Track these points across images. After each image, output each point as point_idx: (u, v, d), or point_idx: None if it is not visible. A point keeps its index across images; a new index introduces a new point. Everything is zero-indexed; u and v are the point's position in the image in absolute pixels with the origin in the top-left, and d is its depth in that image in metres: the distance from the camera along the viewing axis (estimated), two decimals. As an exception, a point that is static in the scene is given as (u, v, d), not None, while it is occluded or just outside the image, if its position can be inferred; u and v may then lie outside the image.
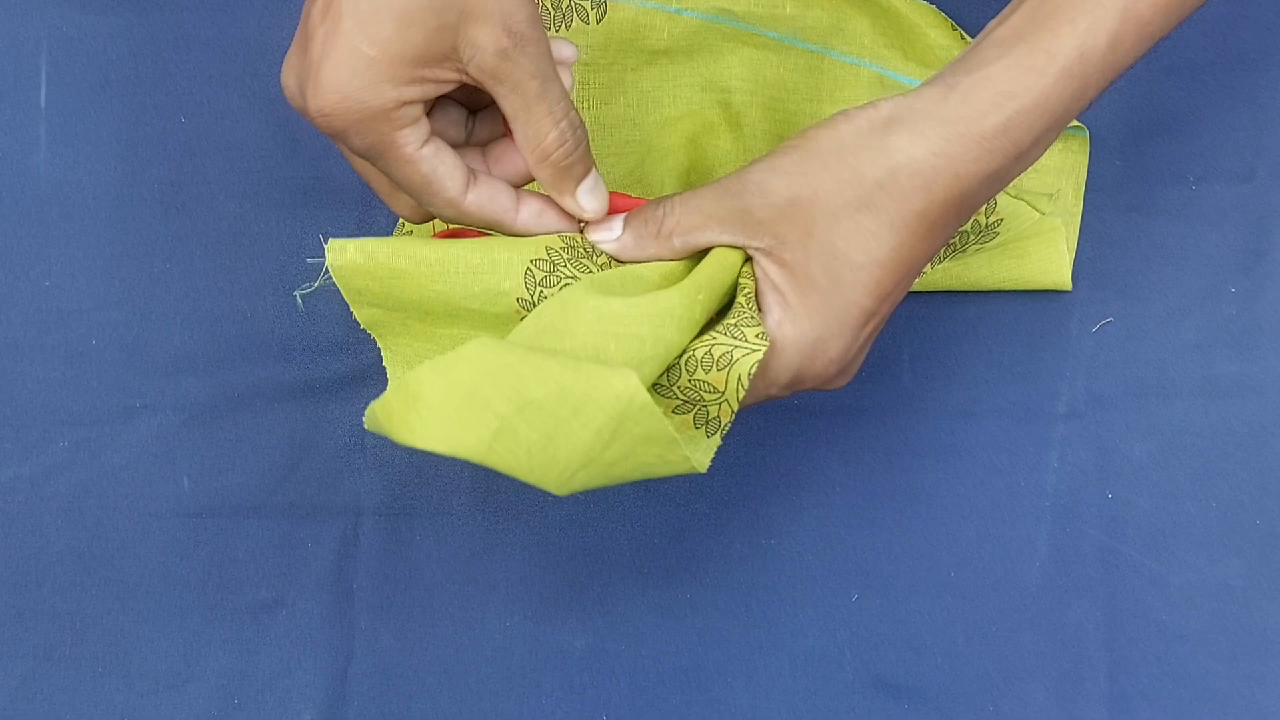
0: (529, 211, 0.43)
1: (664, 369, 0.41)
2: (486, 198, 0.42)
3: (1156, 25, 0.40)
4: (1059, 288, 0.55)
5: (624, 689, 0.55)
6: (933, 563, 0.55)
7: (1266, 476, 0.55)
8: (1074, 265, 0.55)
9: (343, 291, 0.43)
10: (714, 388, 0.41)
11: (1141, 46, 0.40)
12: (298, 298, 0.45)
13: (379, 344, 0.46)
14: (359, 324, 0.45)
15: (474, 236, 0.45)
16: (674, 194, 0.44)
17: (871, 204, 0.40)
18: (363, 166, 0.44)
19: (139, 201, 0.55)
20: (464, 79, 0.40)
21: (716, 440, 0.43)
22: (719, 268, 0.42)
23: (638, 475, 0.40)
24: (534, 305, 0.42)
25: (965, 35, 0.54)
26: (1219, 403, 0.55)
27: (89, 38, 0.56)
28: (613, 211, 0.45)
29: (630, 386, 0.36)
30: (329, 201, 0.55)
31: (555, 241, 0.43)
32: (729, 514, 0.55)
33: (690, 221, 0.43)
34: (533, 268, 0.42)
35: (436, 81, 0.40)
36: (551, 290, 0.42)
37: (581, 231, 0.44)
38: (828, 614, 0.55)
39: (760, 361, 0.40)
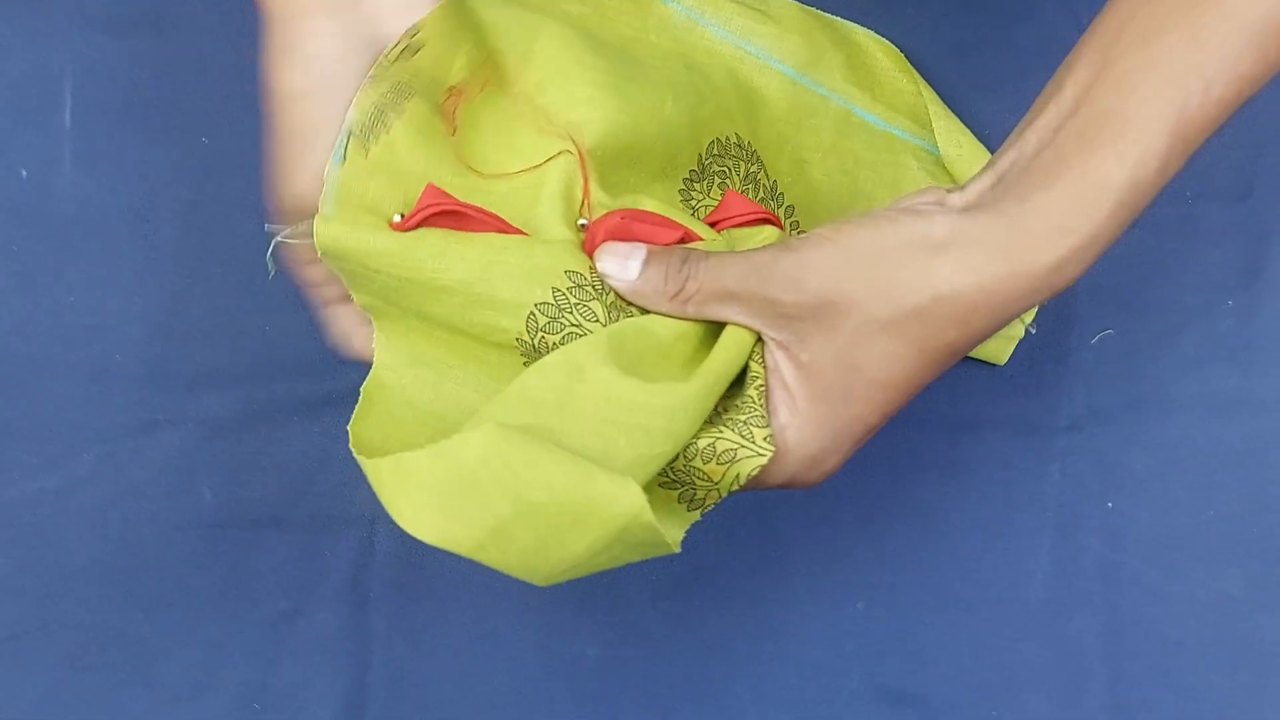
0: None
1: (669, 463, 0.39)
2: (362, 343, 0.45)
3: (1199, 142, 0.38)
4: (994, 361, 0.55)
5: (635, 698, 0.55)
6: (937, 574, 0.56)
7: (1264, 489, 0.56)
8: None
9: (337, 271, 0.42)
10: (709, 477, 0.40)
11: (1183, 163, 0.38)
12: (269, 263, 0.44)
13: (374, 325, 0.44)
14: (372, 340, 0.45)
15: (471, 217, 0.42)
16: (701, 253, 0.41)
17: (903, 328, 0.37)
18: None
19: (161, 220, 0.56)
20: None
21: (696, 516, 0.41)
22: (736, 352, 0.40)
23: (613, 566, 0.39)
24: (534, 349, 0.41)
25: (921, 80, 0.55)
26: (1217, 416, 0.56)
27: (112, 60, 0.57)
28: (630, 229, 0.42)
29: (637, 504, 0.35)
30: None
31: (562, 282, 0.40)
32: (737, 526, 0.56)
33: (712, 292, 0.40)
34: (536, 312, 0.40)
35: None
36: (554, 337, 0.40)
37: (584, 242, 0.42)
38: (834, 625, 0.56)
39: (763, 466, 0.39)
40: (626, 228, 0.42)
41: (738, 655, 0.56)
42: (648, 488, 0.38)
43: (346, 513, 0.55)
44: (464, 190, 0.42)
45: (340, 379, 0.55)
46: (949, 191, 0.39)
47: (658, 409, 0.38)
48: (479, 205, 0.42)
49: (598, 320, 0.40)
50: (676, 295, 0.40)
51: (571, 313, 0.40)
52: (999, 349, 0.54)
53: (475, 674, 0.55)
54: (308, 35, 0.41)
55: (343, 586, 0.55)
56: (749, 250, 0.40)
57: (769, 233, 0.46)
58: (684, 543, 0.55)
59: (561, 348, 0.39)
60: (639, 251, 0.41)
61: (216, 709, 0.55)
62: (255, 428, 0.55)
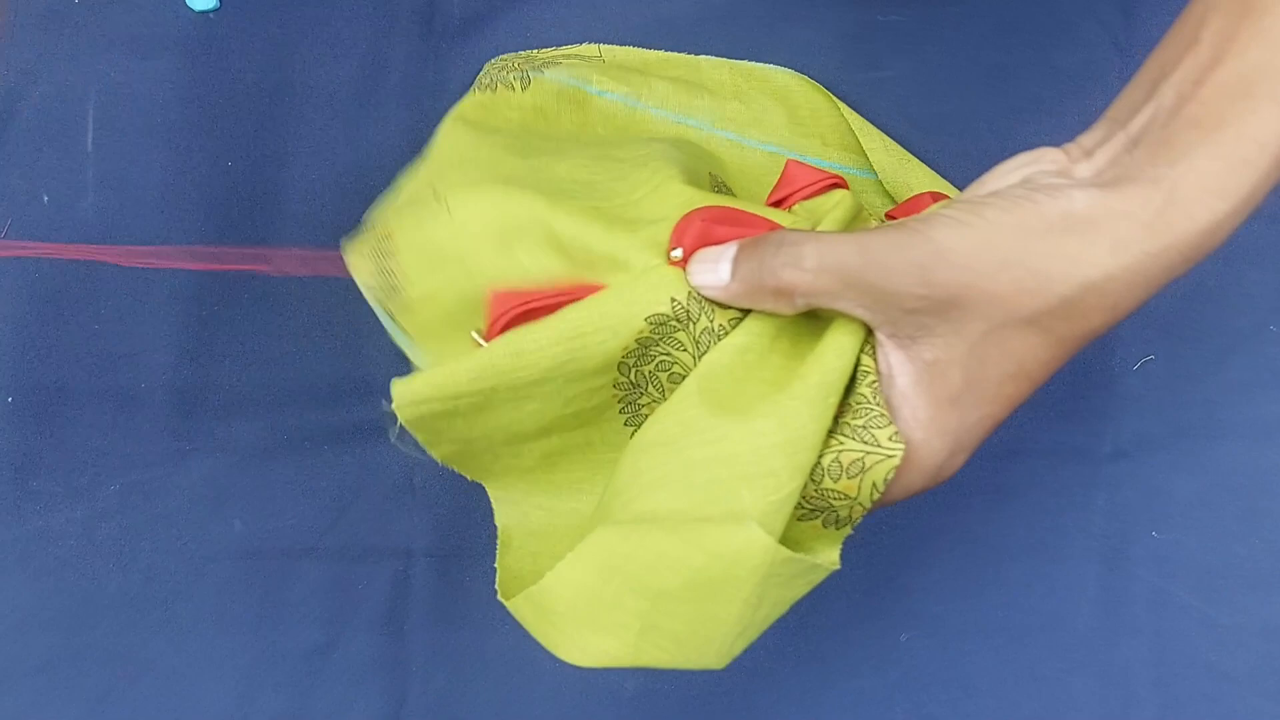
0: None
1: (802, 495, 0.36)
2: None
3: None
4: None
5: (674, 730, 0.55)
6: (982, 602, 0.55)
7: (1312, 515, 0.55)
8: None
9: (417, 436, 0.41)
10: (845, 494, 0.36)
11: None
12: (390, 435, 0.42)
13: (462, 471, 0.42)
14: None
15: (538, 317, 0.39)
16: (802, 234, 0.36)
17: (1046, 321, 0.33)
18: None
19: (187, 246, 0.55)
20: None
21: (847, 530, 0.38)
22: (846, 352, 0.36)
23: (786, 609, 0.37)
24: (633, 385, 0.39)
25: (841, 104, 0.54)
26: (1264, 442, 0.55)
27: (135, 83, 0.56)
28: (713, 234, 0.38)
29: (768, 549, 0.33)
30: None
31: (644, 330, 0.38)
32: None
33: (821, 285, 0.35)
34: (625, 359, 0.38)
35: None
36: (648, 367, 0.38)
37: (677, 264, 0.38)
38: (879, 653, 0.55)
39: (897, 466, 0.35)
40: (710, 232, 0.38)
41: (780, 685, 0.55)
42: (787, 527, 0.36)
43: (381, 542, 0.54)
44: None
45: (373, 406, 0.55)
46: (1068, 157, 0.36)
47: (774, 446, 0.35)
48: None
49: (686, 350, 0.38)
50: (778, 288, 0.35)
51: (658, 345, 0.38)
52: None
53: (513, 706, 0.54)
54: None
55: (378, 617, 0.54)
56: (861, 232, 0.35)
57: (840, 196, 0.42)
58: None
59: (657, 411, 0.37)
60: (729, 250, 0.37)
61: (250, 743, 0.54)
62: (286, 456, 0.54)
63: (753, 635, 0.36)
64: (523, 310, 0.38)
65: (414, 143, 0.49)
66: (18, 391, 0.54)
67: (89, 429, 0.54)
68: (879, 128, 0.56)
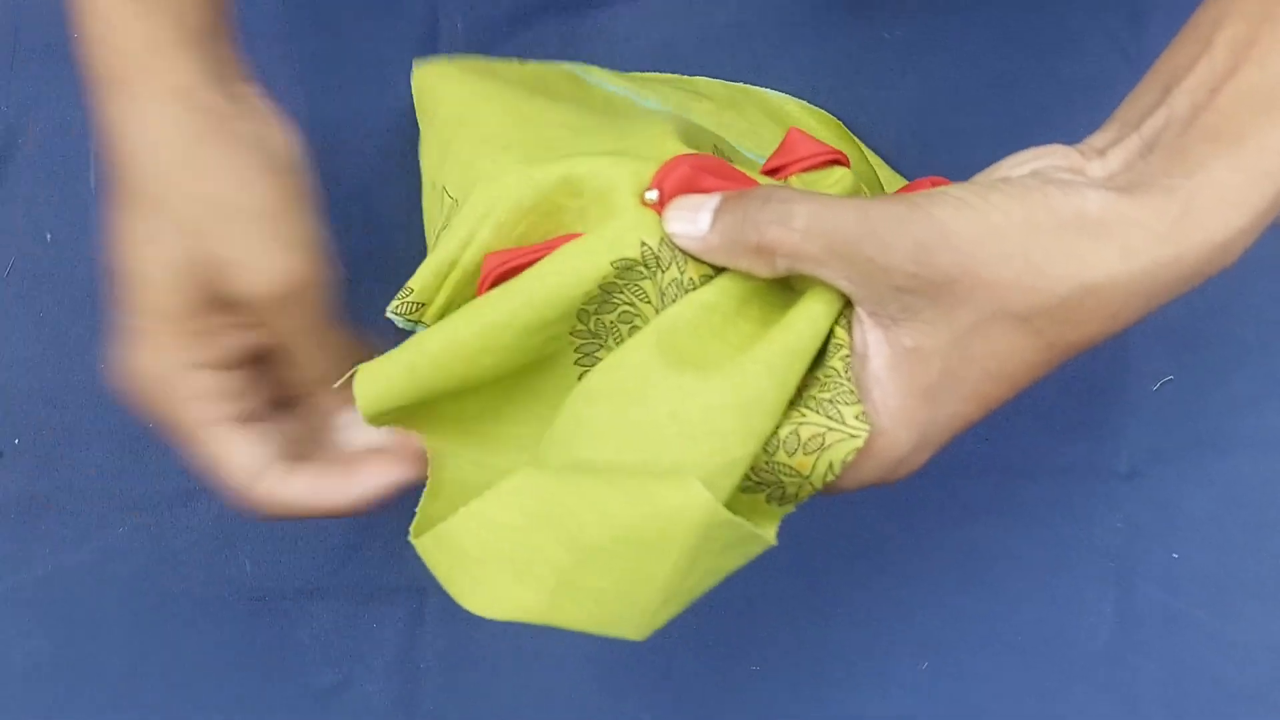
0: (363, 485, 0.39)
1: (750, 465, 0.34)
2: (290, 487, 0.38)
3: None
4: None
5: (691, 761, 0.54)
6: (997, 625, 0.55)
7: (1326, 529, 0.55)
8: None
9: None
10: (797, 471, 0.34)
11: None
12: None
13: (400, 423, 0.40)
14: None
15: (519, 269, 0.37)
16: (794, 192, 0.34)
17: (1040, 321, 0.32)
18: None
19: (191, 281, 0.55)
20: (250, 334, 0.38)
21: (789, 508, 0.36)
22: (819, 320, 0.34)
23: (716, 582, 0.35)
24: (591, 332, 0.37)
25: (861, 144, 0.53)
26: (1275, 455, 0.55)
27: (135, 117, 0.56)
28: (698, 182, 0.35)
29: (708, 509, 0.31)
30: (385, 274, 0.55)
31: (608, 274, 0.35)
32: (790, 582, 0.55)
33: (808, 249, 0.32)
34: (585, 305, 0.36)
35: (212, 336, 0.37)
36: (609, 316, 0.36)
37: (651, 207, 0.36)
38: (895, 682, 0.54)
39: (859, 449, 0.33)
40: (695, 179, 0.35)
41: (796, 718, 0.54)
42: (731, 496, 0.34)
43: (394, 581, 0.54)
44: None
45: (382, 442, 0.54)
46: (1081, 155, 0.34)
47: (729, 406, 0.32)
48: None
49: (649, 302, 0.35)
50: (759, 245, 0.33)
51: (621, 293, 0.36)
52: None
53: (528, 745, 0.54)
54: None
55: (392, 657, 0.54)
56: (859, 199, 0.33)
57: (840, 174, 0.40)
58: (737, 601, 0.54)
59: (608, 358, 0.35)
60: (711, 200, 0.34)
61: (264, 786, 0.54)
62: (296, 494, 0.54)
63: (676, 607, 0.34)
64: (505, 269, 0.37)
65: (416, 168, 0.49)
66: (24, 433, 0.54)
67: (96, 470, 0.54)
68: (888, 144, 0.56)
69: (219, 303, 0.37)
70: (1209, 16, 0.34)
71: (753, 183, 0.36)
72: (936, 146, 0.56)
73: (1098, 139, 0.35)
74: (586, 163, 0.36)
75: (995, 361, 0.32)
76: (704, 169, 0.35)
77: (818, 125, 0.54)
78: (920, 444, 0.34)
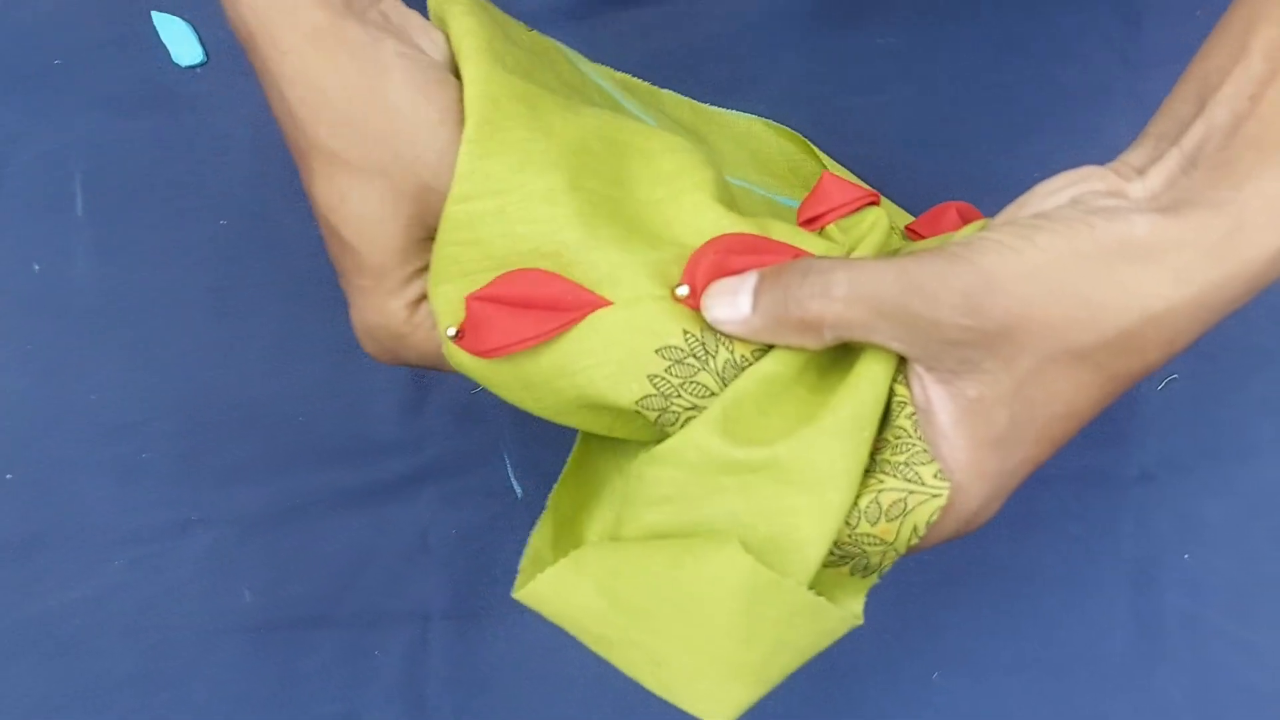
0: None
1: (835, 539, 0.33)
2: None
3: None
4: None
5: (704, 783, 0.53)
6: (1013, 635, 0.54)
7: (1342, 529, 0.54)
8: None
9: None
10: (881, 540, 0.33)
11: None
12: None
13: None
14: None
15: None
16: (830, 261, 0.33)
17: (1101, 355, 0.31)
18: None
19: (183, 308, 0.54)
20: None
21: (873, 579, 0.35)
22: (879, 382, 0.33)
23: (801, 661, 0.34)
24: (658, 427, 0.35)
25: (826, 158, 0.52)
26: (1293, 459, 0.54)
27: (122, 143, 0.55)
28: (728, 264, 0.34)
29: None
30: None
31: (657, 365, 0.34)
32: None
33: (854, 316, 0.32)
34: (642, 409, 0.34)
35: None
36: (673, 429, 0.35)
37: (684, 302, 0.34)
38: (911, 696, 0.54)
39: (943, 507, 0.32)
40: (725, 263, 0.34)
41: (812, 732, 0.54)
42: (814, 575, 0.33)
43: (397, 608, 0.53)
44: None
45: (382, 468, 0.53)
46: (1118, 175, 0.33)
47: (798, 484, 0.32)
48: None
49: (712, 393, 0.34)
50: (804, 321, 0.32)
51: (679, 396, 0.34)
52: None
53: (538, 771, 0.53)
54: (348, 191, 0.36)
55: (396, 685, 0.53)
56: (897, 258, 0.32)
57: (875, 216, 0.39)
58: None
59: (676, 434, 0.34)
60: (748, 281, 0.33)
61: (270, 821, 0.53)
62: (294, 522, 0.53)
63: (753, 686, 0.33)
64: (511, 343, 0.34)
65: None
66: (17, 467, 0.53)
67: (92, 502, 0.53)
68: (881, 152, 0.56)
69: (430, 234, 0.36)
70: (1240, 20, 0.33)
71: (781, 248, 0.35)
72: (932, 153, 0.56)
73: (1135, 156, 0.34)
74: (606, 254, 0.35)
75: (1061, 402, 0.32)
76: (731, 250, 0.34)
77: (786, 143, 0.52)
78: (994, 494, 0.33)
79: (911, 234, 0.42)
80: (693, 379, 0.34)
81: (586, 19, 0.58)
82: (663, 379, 0.34)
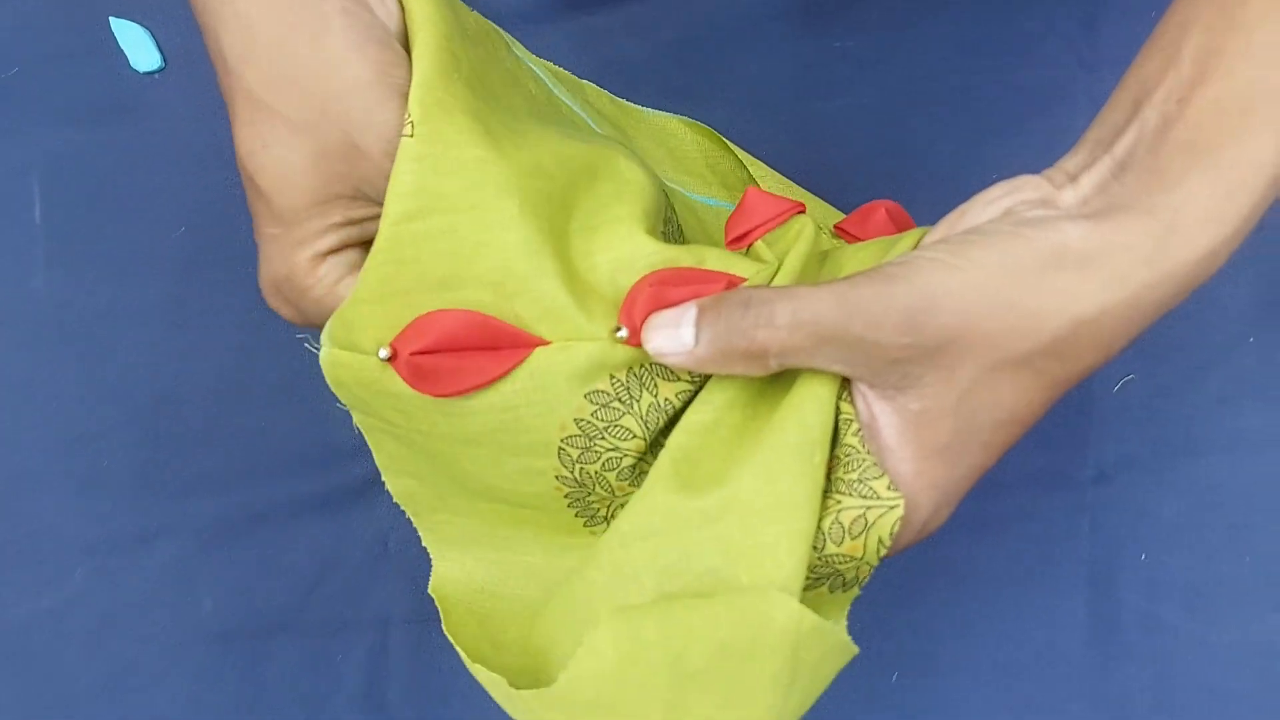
0: None
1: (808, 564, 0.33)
2: None
3: None
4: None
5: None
6: (972, 636, 0.54)
7: (1299, 527, 0.54)
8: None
9: (365, 434, 0.38)
10: (850, 556, 0.33)
11: None
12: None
13: (413, 521, 0.40)
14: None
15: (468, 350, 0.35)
16: (769, 291, 0.33)
17: (1039, 362, 0.32)
18: None
19: (143, 318, 0.54)
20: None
21: (854, 592, 0.35)
22: (824, 402, 0.33)
23: (814, 699, 0.34)
24: (578, 483, 0.36)
25: (742, 153, 0.52)
26: (1246, 456, 0.54)
27: (80, 152, 0.55)
28: (666, 296, 0.34)
29: (795, 614, 0.31)
30: (338, 307, 0.54)
31: (584, 409, 0.34)
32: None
33: (798, 343, 0.32)
34: (565, 446, 0.35)
35: (346, 225, 0.36)
36: (593, 466, 0.35)
37: (625, 342, 0.34)
38: (870, 697, 0.54)
39: (902, 517, 0.33)
40: (662, 295, 0.34)
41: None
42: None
43: (358, 615, 0.53)
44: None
45: (343, 474, 0.53)
46: (1051, 184, 0.34)
47: (767, 515, 0.32)
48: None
49: (635, 436, 0.35)
50: (749, 350, 0.33)
51: (603, 438, 0.35)
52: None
53: (501, 775, 0.53)
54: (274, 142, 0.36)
55: (358, 692, 0.53)
56: (835, 283, 0.32)
57: (800, 224, 0.39)
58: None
59: (631, 505, 0.34)
60: (689, 313, 0.33)
61: (234, 830, 0.53)
62: (255, 531, 0.53)
63: None
64: (457, 392, 0.34)
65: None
66: (-24, 479, 0.53)
67: (51, 514, 0.53)
68: (843, 154, 0.56)
69: (349, 191, 0.35)
70: (1174, 26, 0.33)
71: (715, 276, 0.35)
72: (892, 155, 0.56)
73: (1070, 162, 0.34)
74: (550, 288, 0.34)
75: (1003, 409, 0.32)
76: (665, 282, 0.35)
77: (703, 140, 0.52)
78: (944, 501, 0.34)
79: (841, 233, 0.43)
80: (617, 422, 0.34)
81: (547, 23, 0.58)
82: (589, 422, 0.34)
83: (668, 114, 0.52)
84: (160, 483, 0.53)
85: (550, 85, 0.44)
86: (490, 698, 0.53)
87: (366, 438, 0.38)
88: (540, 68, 0.45)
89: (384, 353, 0.34)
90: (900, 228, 0.42)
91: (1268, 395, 0.55)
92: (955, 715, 0.54)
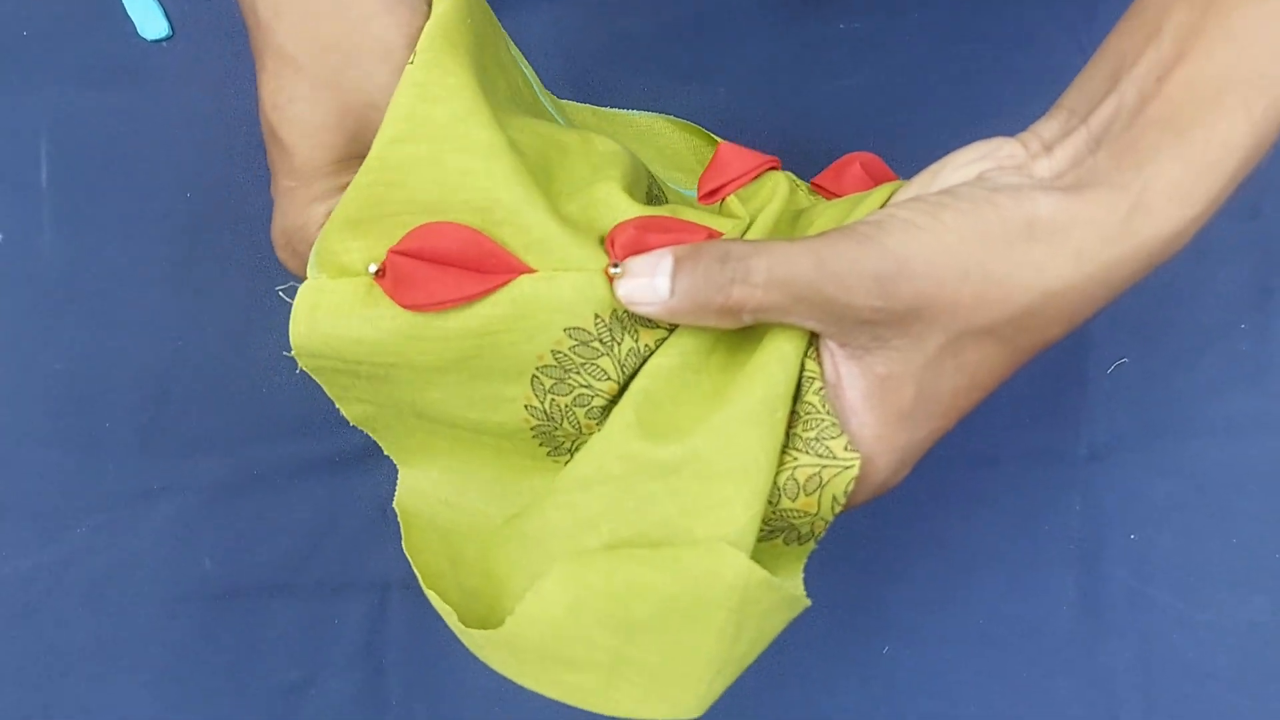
0: None
1: (761, 521, 0.33)
2: None
3: None
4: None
5: (658, 752, 0.54)
6: (962, 611, 0.55)
7: (1287, 511, 0.55)
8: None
9: (324, 387, 0.38)
10: (804, 512, 0.34)
11: None
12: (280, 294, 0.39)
13: (375, 439, 0.40)
14: None
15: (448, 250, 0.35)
16: (747, 246, 0.33)
17: (1005, 331, 0.32)
18: None
19: (148, 281, 0.54)
20: None
21: (810, 546, 0.36)
22: (789, 360, 0.34)
23: (763, 647, 0.35)
24: (546, 414, 0.36)
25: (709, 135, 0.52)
26: (1237, 439, 0.55)
27: (89, 115, 0.55)
28: (645, 241, 0.34)
29: (743, 570, 0.31)
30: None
31: (563, 342, 0.34)
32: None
33: (772, 301, 0.32)
34: (540, 375, 0.35)
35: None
36: (565, 399, 0.35)
37: (609, 278, 0.34)
38: (861, 668, 0.54)
39: (856, 477, 0.33)
40: (641, 240, 0.34)
41: (761, 705, 0.54)
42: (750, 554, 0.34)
43: (357, 577, 0.54)
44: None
45: (342, 438, 0.54)
46: (1026, 150, 0.34)
47: (725, 473, 0.32)
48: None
49: (609, 379, 0.35)
50: (724, 307, 0.33)
51: (578, 373, 0.35)
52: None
53: (495, 737, 0.54)
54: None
55: (356, 653, 0.53)
56: (810, 240, 0.33)
57: (774, 180, 0.39)
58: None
59: (591, 446, 0.35)
60: (664, 262, 0.33)
61: (229, 786, 0.53)
62: (256, 492, 0.54)
63: (728, 678, 0.34)
64: (435, 303, 0.34)
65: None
66: (-21, 436, 0.53)
67: (53, 472, 0.53)
68: (843, 137, 0.56)
69: (367, 151, 0.36)
70: (1156, 1, 0.34)
71: (694, 227, 0.35)
72: (892, 139, 0.56)
73: (1045, 128, 0.35)
74: (539, 218, 0.35)
75: (965, 375, 0.33)
76: (645, 228, 0.35)
77: (692, 137, 0.53)
78: (902, 463, 0.35)
79: (817, 188, 0.43)
80: (594, 361, 0.35)
81: (551, 1, 0.58)
82: (566, 355, 0.35)
83: (653, 114, 0.53)
84: (163, 442, 0.54)
85: (537, 89, 0.45)
86: (491, 669, 0.54)
87: (315, 377, 0.38)
88: (530, 72, 0.45)
89: (373, 267, 0.35)
90: (877, 180, 0.42)
91: (1259, 381, 0.56)
92: (945, 687, 0.54)
